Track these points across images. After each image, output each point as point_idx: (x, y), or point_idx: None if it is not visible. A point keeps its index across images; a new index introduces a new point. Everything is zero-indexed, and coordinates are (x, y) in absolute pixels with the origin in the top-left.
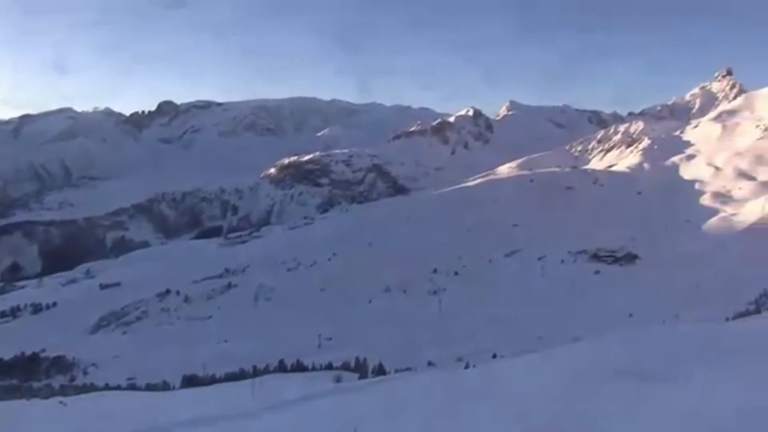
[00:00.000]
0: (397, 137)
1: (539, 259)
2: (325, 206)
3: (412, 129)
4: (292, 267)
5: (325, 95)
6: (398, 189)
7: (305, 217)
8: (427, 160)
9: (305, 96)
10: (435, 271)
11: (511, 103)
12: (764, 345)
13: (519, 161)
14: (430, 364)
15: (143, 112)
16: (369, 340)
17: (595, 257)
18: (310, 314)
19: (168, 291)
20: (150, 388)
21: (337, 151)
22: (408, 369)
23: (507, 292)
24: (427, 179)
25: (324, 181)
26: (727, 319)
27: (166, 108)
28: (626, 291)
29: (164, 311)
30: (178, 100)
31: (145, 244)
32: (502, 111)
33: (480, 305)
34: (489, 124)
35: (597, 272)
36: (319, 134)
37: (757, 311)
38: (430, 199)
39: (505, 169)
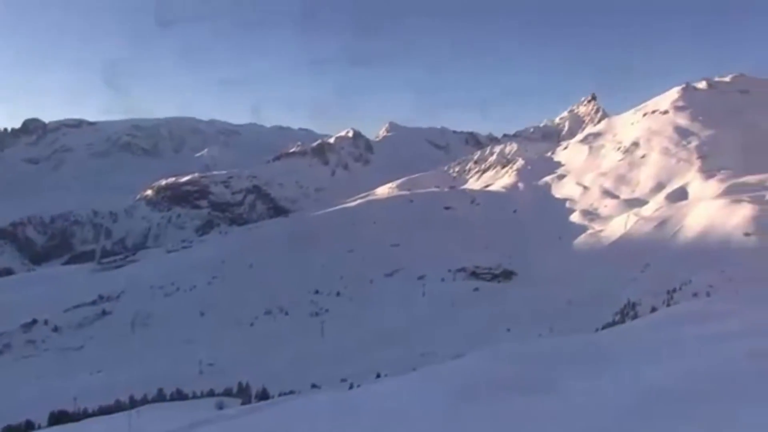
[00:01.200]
0: (277, 158)
1: (420, 278)
2: (205, 228)
3: (293, 150)
4: (170, 291)
5: (204, 115)
6: (278, 210)
7: (184, 240)
8: (308, 181)
9: (183, 116)
10: (317, 292)
11: (391, 124)
12: (631, 351)
13: (399, 182)
14: (314, 386)
15: (6, 129)
16: (252, 364)
17: (474, 275)
18: (190, 340)
19: (35, 321)
20: (10, 430)
21: (216, 172)
22: (292, 392)
23: (389, 312)
24: (308, 200)
25: (203, 203)
26: (597, 330)
27: (32, 126)
28: (504, 306)
29: (30, 343)
30: (47, 118)
31: (8, 272)
32: (382, 132)
33: (362, 325)
34: (369, 145)
35: (476, 289)
36: (197, 155)
37: (623, 321)
38: (311, 220)
39: (385, 190)
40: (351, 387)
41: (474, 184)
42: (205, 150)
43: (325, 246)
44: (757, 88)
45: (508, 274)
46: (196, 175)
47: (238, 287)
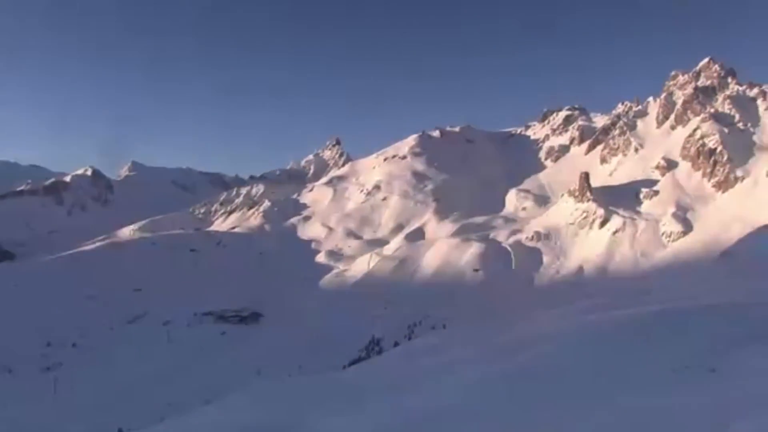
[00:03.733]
0: (3, 197)
1: (165, 323)
2: None
3: (21, 188)
4: None
5: None
6: (3, 254)
7: None
8: (39, 223)
9: None
10: (49, 344)
11: (134, 164)
12: (378, 384)
13: (141, 223)
14: None
15: None
16: None
17: (222, 318)
18: None
19: None
20: None
21: None
22: None
23: (132, 361)
24: (39, 243)
25: None
26: (344, 367)
27: None
28: (253, 349)
29: None
30: None
31: None
32: (124, 171)
33: (102, 378)
34: (109, 185)
35: (224, 333)
36: None
37: (368, 356)
38: (43, 266)
39: (126, 232)
40: None
41: (220, 225)
42: None
43: (60, 293)
44: (480, 138)
45: (255, 317)
46: None
47: None
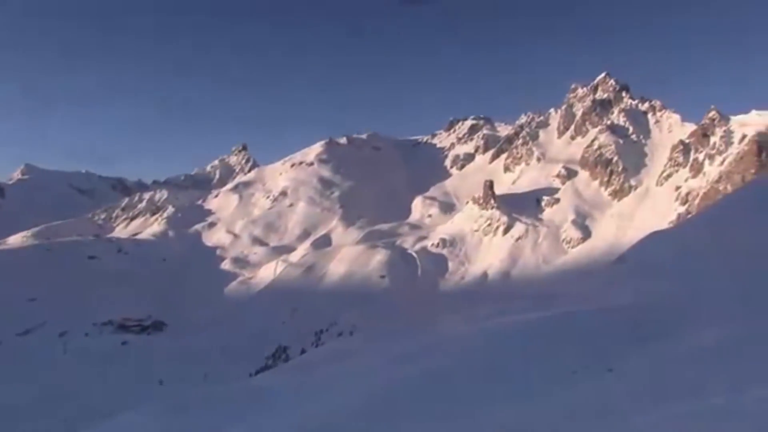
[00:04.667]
0: None
1: (61, 334)
2: None
3: None
4: None
5: None
6: None
7: None
8: None
9: None
10: None
11: (27, 166)
12: (285, 391)
13: (35, 230)
14: None
15: None
16: None
17: (123, 327)
18: None
19: None
20: None
21: None
22: None
23: (25, 376)
24: None
25: None
26: (251, 375)
27: None
28: (156, 359)
29: None
30: None
31: None
32: (16, 175)
33: None
34: (0, 189)
35: (125, 343)
36: None
37: (275, 364)
38: None
39: (18, 239)
40: None
41: (121, 232)
42: None
43: None
44: (386, 145)
45: (159, 325)
46: None
47: None
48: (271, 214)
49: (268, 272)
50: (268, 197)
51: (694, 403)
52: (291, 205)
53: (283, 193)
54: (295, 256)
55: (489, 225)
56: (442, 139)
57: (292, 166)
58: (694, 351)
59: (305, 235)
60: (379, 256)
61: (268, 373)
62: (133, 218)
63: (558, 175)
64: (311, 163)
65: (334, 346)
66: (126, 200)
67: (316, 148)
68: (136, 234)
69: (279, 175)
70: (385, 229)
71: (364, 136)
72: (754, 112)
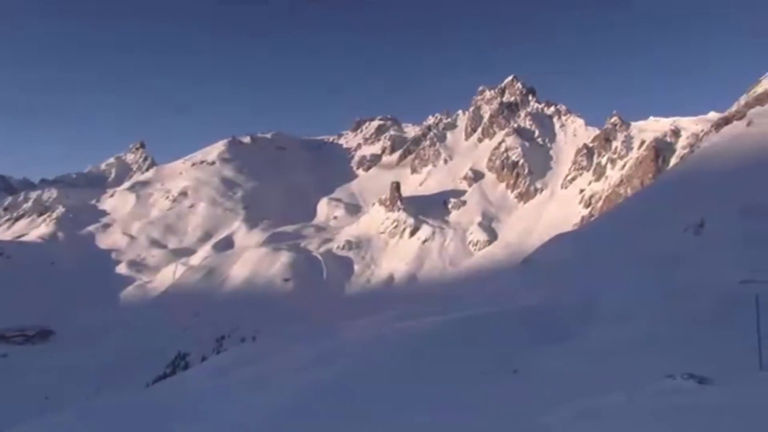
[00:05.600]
0: None
1: None
2: None
3: None
4: None
5: None
6: None
7: None
8: None
9: None
10: None
11: None
12: (182, 402)
13: None
14: None
15: None
16: None
17: (2, 338)
18: None
19: None
20: None
21: None
22: None
23: None
24: None
25: None
26: (147, 386)
27: None
28: (41, 372)
29: None
30: None
31: None
32: None
33: None
34: None
35: (5, 355)
36: None
37: (174, 373)
38: None
39: None
40: None
41: (4, 234)
42: None
43: None
44: (291, 145)
45: (45, 335)
46: None
47: None
48: (171, 215)
49: (167, 276)
50: (167, 197)
51: (597, 401)
52: (192, 205)
53: (184, 193)
54: (195, 259)
55: (395, 227)
56: (349, 140)
57: (193, 165)
58: (596, 350)
59: (206, 236)
60: (283, 259)
61: (165, 382)
62: (17, 219)
63: (465, 178)
64: (213, 163)
65: (236, 352)
66: (9, 200)
67: (219, 147)
68: (20, 236)
69: (179, 174)
70: (289, 231)
71: (268, 136)
72: (652, 119)
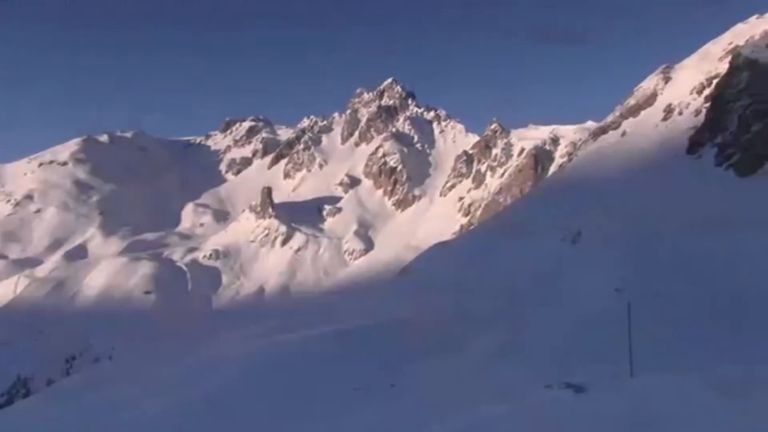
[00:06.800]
0: None
1: None
2: None
3: None
4: None
5: None
6: None
7: None
8: None
9: None
10: None
11: None
12: None
13: None
14: None
15: None
16: None
17: None
18: None
19: None
20: None
21: None
22: None
23: None
24: None
25: None
26: None
27: None
28: None
29: None
30: None
31: None
32: None
33: None
34: None
35: None
36: None
37: (11, 401)
38: None
39: None
40: None
41: None
42: None
43: None
44: (154, 145)
45: None
46: None
47: None
48: (13, 221)
49: (8, 289)
50: (8, 201)
51: (476, 414)
52: (38, 210)
53: (29, 197)
54: (42, 271)
55: (267, 235)
56: (218, 141)
57: (41, 165)
58: (474, 362)
59: (56, 245)
60: (144, 270)
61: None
62: None
63: (341, 184)
64: (65, 163)
65: (87, 375)
66: None
67: (71, 146)
68: None
69: (23, 175)
70: (151, 239)
71: (128, 135)
72: (531, 126)
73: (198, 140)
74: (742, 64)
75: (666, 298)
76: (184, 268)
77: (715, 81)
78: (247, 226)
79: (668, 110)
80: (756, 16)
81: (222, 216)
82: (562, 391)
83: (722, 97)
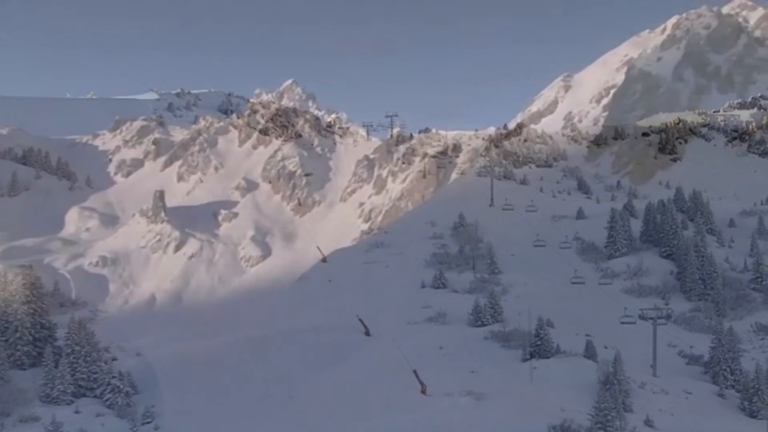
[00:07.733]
0: None
1: None
2: None
3: None
4: None
5: None
6: None
7: None
8: None
9: None
10: None
11: None
12: None
13: None
14: None
15: None
16: None
17: None
18: None
19: None
20: None
21: None
22: None
23: None
24: None
25: None
26: None
27: None
28: None
29: None
30: None
31: None
32: None
33: None
34: None
35: None
36: None
37: None
38: None
39: None
40: None
41: None
42: None
43: None
44: (36, 144)
45: None
46: None
47: None
48: None
49: None
50: None
51: (379, 423)
52: None
53: None
54: None
55: (158, 241)
56: (106, 141)
57: None
58: (372, 371)
59: None
60: (21, 279)
61: None
62: None
63: (237, 188)
64: None
65: None
66: None
67: None
68: None
69: None
70: (30, 245)
71: (4, 131)
72: (433, 131)
73: (85, 140)
74: (637, 75)
75: None
76: (68, 275)
77: (612, 91)
78: (137, 231)
79: (568, 118)
80: (648, 30)
81: (110, 220)
82: (463, 398)
83: (618, 107)
